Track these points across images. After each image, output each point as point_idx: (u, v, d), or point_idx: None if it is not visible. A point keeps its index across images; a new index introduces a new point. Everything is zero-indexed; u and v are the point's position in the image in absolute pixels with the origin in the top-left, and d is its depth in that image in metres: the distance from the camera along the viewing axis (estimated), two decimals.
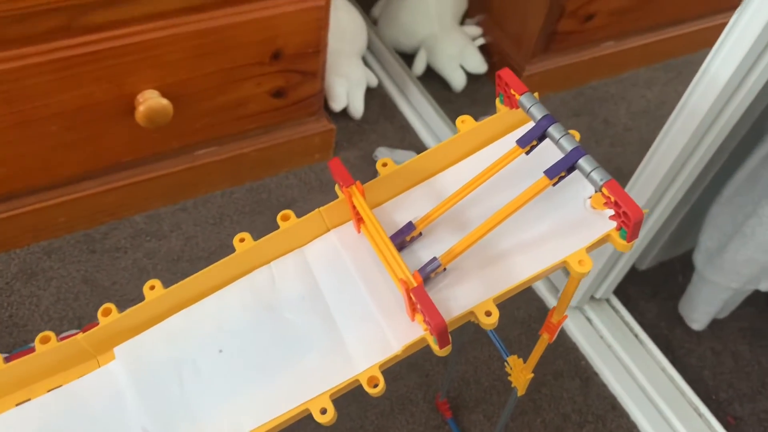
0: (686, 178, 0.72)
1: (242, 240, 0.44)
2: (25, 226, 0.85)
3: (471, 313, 0.40)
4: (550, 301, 0.90)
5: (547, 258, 0.42)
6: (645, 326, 0.89)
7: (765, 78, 0.62)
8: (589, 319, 0.89)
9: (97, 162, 0.84)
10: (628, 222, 0.38)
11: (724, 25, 1.25)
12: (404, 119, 1.10)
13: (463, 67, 1.13)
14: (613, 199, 0.39)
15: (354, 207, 0.43)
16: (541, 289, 0.92)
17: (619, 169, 1.09)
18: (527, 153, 0.43)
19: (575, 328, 0.88)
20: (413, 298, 0.38)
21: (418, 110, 1.10)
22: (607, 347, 0.87)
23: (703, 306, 0.87)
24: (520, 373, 0.57)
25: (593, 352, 0.86)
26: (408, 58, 1.16)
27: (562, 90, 1.19)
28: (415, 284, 0.38)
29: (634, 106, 1.20)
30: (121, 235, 0.91)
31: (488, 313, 0.40)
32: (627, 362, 0.85)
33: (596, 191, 0.40)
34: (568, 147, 0.41)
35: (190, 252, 0.90)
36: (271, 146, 0.95)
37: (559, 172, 0.40)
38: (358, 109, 1.07)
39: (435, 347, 0.39)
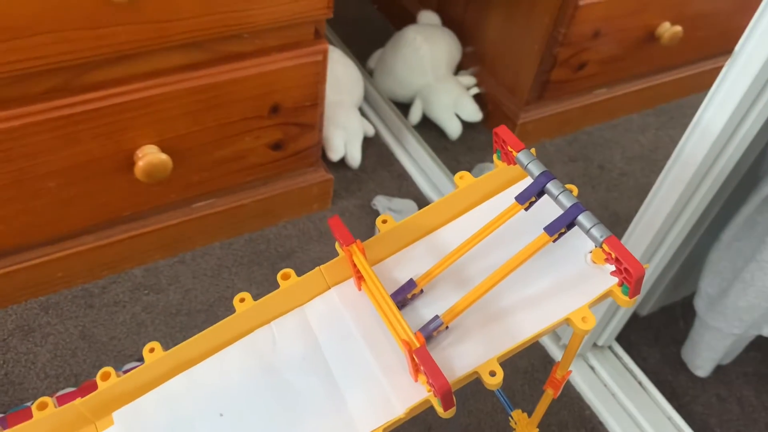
0: (684, 225, 0.72)
1: (242, 300, 0.44)
2: (23, 282, 0.85)
3: (475, 372, 0.40)
4: (552, 349, 0.90)
5: (550, 315, 0.41)
6: (648, 373, 0.88)
7: (758, 126, 0.63)
8: (592, 367, 0.88)
9: (96, 217, 0.84)
10: (630, 278, 0.38)
11: (712, 70, 1.28)
12: (401, 168, 1.11)
13: (458, 116, 1.15)
14: (614, 256, 0.39)
15: (354, 265, 0.43)
16: (544, 338, 0.91)
17: (616, 213, 1.09)
18: (526, 209, 0.43)
19: (579, 377, 0.87)
20: (416, 359, 0.37)
21: (415, 159, 1.11)
22: (611, 395, 0.86)
23: (706, 352, 0.86)
24: (524, 428, 0.56)
25: (597, 401, 0.85)
26: (404, 107, 1.18)
27: (557, 136, 1.20)
28: (418, 345, 0.38)
29: (628, 151, 1.21)
30: (119, 289, 0.90)
31: (492, 373, 0.39)
32: (632, 411, 0.84)
33: (597, 246, 0.40)
34: (567, 203, 0.41)
35: (189, 305, 0.90)
36: (269, 197, 0.96)
37: (559, 228, 0.41)
38: (355, 158, 1.07)
39: (439, 409, 0.38)
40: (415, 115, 1.16)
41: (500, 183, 0.48)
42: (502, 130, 0.44)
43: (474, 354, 0.41)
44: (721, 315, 0.81)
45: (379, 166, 1.11)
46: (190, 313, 0.89)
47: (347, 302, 0.45)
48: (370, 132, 1.12)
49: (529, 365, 0.88)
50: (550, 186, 0.42)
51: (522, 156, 0.43)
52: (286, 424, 0.41)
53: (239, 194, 0.94)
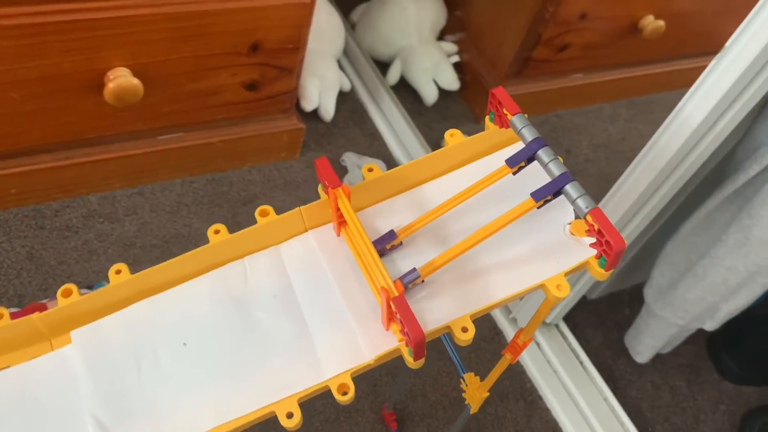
0: (648, 213, 0.73)
1: (217, 231, 0.43)
2: None
3: (447, 327, 0.40)
4: (501, 321, 0.91)
5: (525, 280, 0.42)
6: (590, 354, 0.91)
7: (735, 122, 0.64)
8: (538, 343, 0.90)
9: (57, 135, 0.81)
10: (610, 251, 0.39)
11: (688, 69, 1.29)
12: (374, 126, 1.10)
13: (436, 82, 1.14)
14: (596, 227, 0.39)
15: (338, 209, 0.42)
16: (494, 310, 0.92)
17: None
18: (514, 173, 0.43)
19: (524, 351, 0.89)
20: (393, 307, 0.37)
21: (389, 119, 1.10)
22: (553, 372, 0.88)
23: (648, 340, 0.89)
24: (475, 391, 0.57)
25: (539, 375, 0.87)
26: (383, 66, 1.16)
27: (529, 115, 1.20)
28: (397, 293, 0.37)
29: (596, 138, 1.22)
30: (73, 213, 0.87)
31: (465, 329, 0.39)
32: (571, 389, 0.87)
33: (580, 218, 0.41)
34: (557, 172, 0.41)
35: (144, 238, 0.87)
36: (237, 139, 0.94)
37: (546, 195, 0.41)
38: (329, 111, 1.06)
39: (409, 359, 0.38)
40: (393, 75, 1.15)
41: (489, 145, 0.48)
42: (500, 92, 0.44)
43: (446, 310, 0.41)
44: (668, 305, 0.83)
45: (352, 122, 1.10)
46: (144, 247, 0.87)
47: (324, 246, 0.44)
48: (346, 86, 1.10)
49: (478, 336, 0.89)
50: (542, 153, 0.42)
51: (516, 120, 0.43)
52: (250, 359, 0.40)
53: (208, 131, 0.91)
